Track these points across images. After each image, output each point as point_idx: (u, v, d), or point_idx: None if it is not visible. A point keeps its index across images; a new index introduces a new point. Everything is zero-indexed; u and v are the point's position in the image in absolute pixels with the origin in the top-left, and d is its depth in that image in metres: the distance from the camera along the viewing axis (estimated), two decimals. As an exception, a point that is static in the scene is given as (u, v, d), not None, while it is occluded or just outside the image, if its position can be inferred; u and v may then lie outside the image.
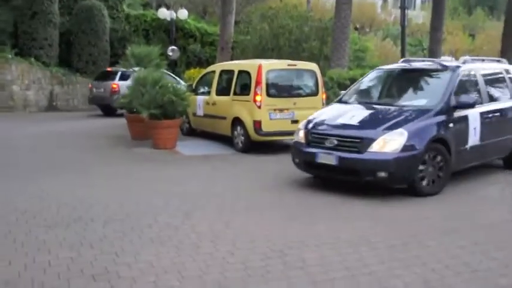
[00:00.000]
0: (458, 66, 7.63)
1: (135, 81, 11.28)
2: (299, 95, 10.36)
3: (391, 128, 6.57)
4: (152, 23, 24.40)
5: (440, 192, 6.72)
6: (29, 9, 19.56)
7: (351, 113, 7.18)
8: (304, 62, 11.87)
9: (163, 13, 22.74)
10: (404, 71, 8.31)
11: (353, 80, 13.14)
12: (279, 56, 15.75)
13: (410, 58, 9.46)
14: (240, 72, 10.46)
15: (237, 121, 10.18)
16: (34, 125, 14.90)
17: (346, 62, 15.24)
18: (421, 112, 6.88)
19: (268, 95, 9.86)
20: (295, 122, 9.81)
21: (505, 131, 7.96)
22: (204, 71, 12.92)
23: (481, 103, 7.54)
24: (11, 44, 19.33)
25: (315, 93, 10.40)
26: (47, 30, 19.97)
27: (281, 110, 9.93)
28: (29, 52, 19.73)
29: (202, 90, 11.82)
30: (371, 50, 26.48)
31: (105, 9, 21.85)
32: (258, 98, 9.77)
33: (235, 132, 10.28)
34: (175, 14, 22.58)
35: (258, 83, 9.78)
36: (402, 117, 6.83)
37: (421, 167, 6.54)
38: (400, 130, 6.50)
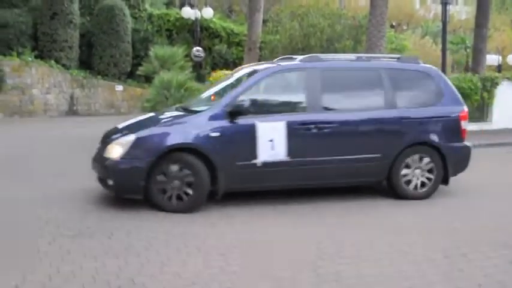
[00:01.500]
0: (268, 68, 6.97)
1: (159, 84, 11.50)
2: None
3: (131, 132, 6.40)
4: (176, 23, 24.72)
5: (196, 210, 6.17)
6: (48, 10, 20.06)
7: (144, 119, 7.15)
8: None
9: (188, 12, 23.00)
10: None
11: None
12: (310, 57, 15.76)
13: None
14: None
15: None
16: (56, 129, 15.29)
17: (382, 63, 15.17)
18: (185, 117, 6.64)
19: None
20: None
21: (367, 148, 6.77)
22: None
23: (308, 110, 6.63)
24: (30, 46, 19.85)
25: None
26: (67, 32, 20.44)
27: None
28: (48, 54, 20.23)
29: None
30: (409, 49, 26.21)
31: (126, 8, 22.24)
32: None
33: None
34: (199, 13, 22.81)
35: None
36: (163, 121, 6.69)
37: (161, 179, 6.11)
38: (131, 135, 6.27)
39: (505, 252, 4.96)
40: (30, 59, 18.97)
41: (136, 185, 6.13)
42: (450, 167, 7.00)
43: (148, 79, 18.92)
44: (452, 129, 7.07)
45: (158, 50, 21.03)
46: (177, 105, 8.11)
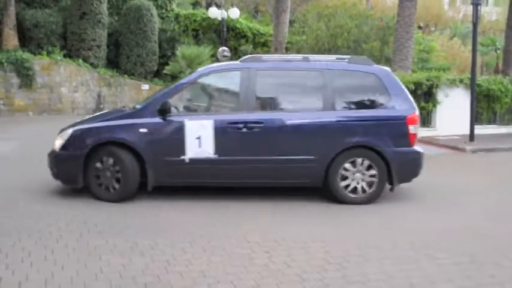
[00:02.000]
0: (206, 67, 7.21)
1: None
2: None
3: (73, 126, 6.92)
4: (202, 23, 24.87)
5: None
6: (78, 10, 20.38)
7: (95, 115, 7.81)
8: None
9: (214, 12, 23.13)
10: None
11: (417, 84, 12.99)
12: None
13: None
14: None
15: None
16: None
17: (409, 64, 15.04)
18: (122, 113, 7.09)
19: None
20: None
21: (299, 149, 6.65)
22: None
23: (239, 110, 6.71)
24: (60, 45, 20.21)
25: None
26: (95, 31, 20.73)
27: None
28: (77, 53, 20.56)
29: None
30: (437, 51, 25.90)
31: (154, 8, 22.46)
32: None
33: None
34: (226, 13, 22.92)
35: None
36: (104, 117, 7.19)
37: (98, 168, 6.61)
38: (69, 130, 6.81)
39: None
40: (59, 57, 19.28)
41: (74, 175, 6.66)
42: (395, 172, 6.68)
43: (174, 78, 19.07)
44: (398, 133, 6.71)
45: (185, 49, 21.19)
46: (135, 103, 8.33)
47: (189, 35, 24.37)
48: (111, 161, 6.60)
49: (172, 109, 6.62)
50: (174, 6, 24.95)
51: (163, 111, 6.57)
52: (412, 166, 6.86)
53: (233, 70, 7.02)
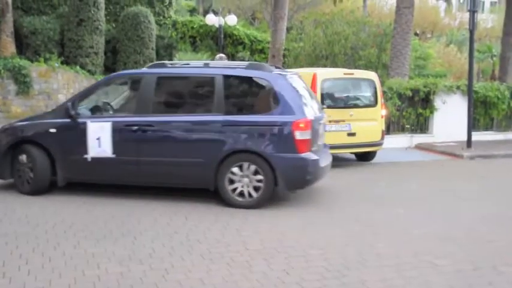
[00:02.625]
0: (111, 74, 8.30)
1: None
2: (356, 106, 10.36)
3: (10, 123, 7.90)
4: (200, 30, 24.91)
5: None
6: (75, 17, 20.36)
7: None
8: (362, 70, 11.77)
9: (211, 19, 23.18)
10: None
11: (415, 91, 13.01)
12: (334, 64, 15.75)
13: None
14: None
15: None
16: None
17: (406, 71, 15.05)
18: (43, 114, 8.34)
19: (323, 105, 9.79)
20: (352, 134, 9.91)
21: (189, 152, 6.89)
22: None
23: (136, 113, 7.11)
24: (57, 52, 20.19)
25: (373, 104, 10.39)
26: (93, 38, 20.71)
27: (337, 122, 9.87)
28: (74, 60, 20.52)
29: None
30: (433, 57, 25.98)
31: (151, 15, 22.46)
32: None
33: None
34: (223, 20, 22.97)
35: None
36: (31, 117, 8.37)
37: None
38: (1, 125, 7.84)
39: None
40: (56, 64, 19.24)
41: (1, 169, 7.46)
42: (281, 178, 6.70)
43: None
44: (284, 139, 6.69)
45: (182, 56, 21.20)
46: None
47: (187, 42, 24.41)
48: (26, 157, 7.29)
49: (81, 110, 7.27)
50: (171, 13, 24.97)
51: (71, 113, 7.15)
52: (298, 173, 6.78)
53: (137, 75, 7.68)
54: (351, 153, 10.91)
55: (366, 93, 10.54)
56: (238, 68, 7.32)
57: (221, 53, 22.40)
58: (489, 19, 40.61)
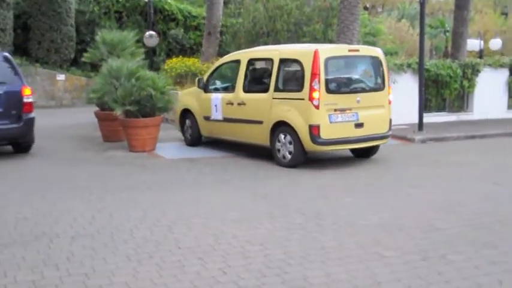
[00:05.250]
0: None
1: (107, 73, 11.31)
2: (363, 90, 9.60)
3: None
4: (126, 4, 24.43)
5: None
6: (-23, -13, 19.56)
7: None
8: (366, 46, 11.60)
9: (139, -8, 22.77)
10: None
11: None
12: (276, 42, 15.81)
13: None
14: (284, 61, 9.56)
15: (280, 126, 9.31)
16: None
17: (354, 48, 15.32)
18: None
19: (328, 90, 8.94)
20: (360, 125, 9.21)
21: None
22: (221, 60, 11.61)
23: None
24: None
25: (381, 88, 9.67)
26: (-1, 12, 19.97)
27: (343, 111, 9.06)
28: (-25, 38, 19.73)
29: (218, 85, 10.99)
30: (384, 33, 26.60)
31: (69, -13, 21.88)
32: (315, 94, 8.79)
33: (279, 142, 9.35)
34: (153, -7, 22.63)
35: (314, 75, 8.81)
36: None
37: None
38: None
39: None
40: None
41: None
42: None
43: (94, 67, 18.61)
44: None
45: (106, 34, 20.48)
46: None
47: (111, 18, 23.88)
48: None
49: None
50: (93, -16, 24.37)
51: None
52: None
53: None
54: (352, 149, 9.94)
55: (372, 74, 9.91)
56: None
57: (151, 31, 22.09)
58: (442, -8, 41.85)
